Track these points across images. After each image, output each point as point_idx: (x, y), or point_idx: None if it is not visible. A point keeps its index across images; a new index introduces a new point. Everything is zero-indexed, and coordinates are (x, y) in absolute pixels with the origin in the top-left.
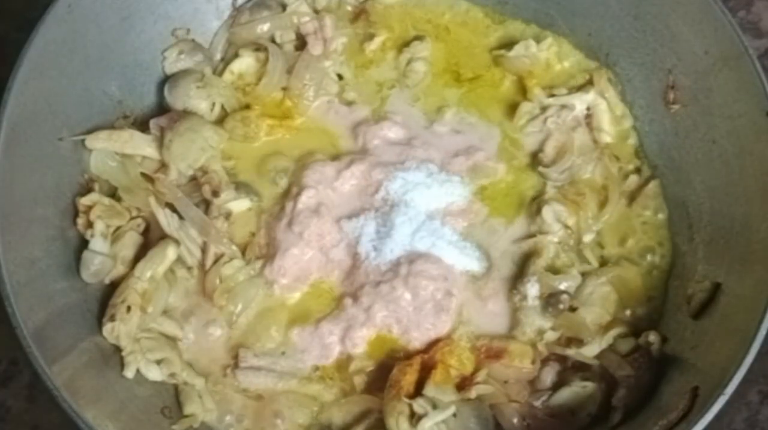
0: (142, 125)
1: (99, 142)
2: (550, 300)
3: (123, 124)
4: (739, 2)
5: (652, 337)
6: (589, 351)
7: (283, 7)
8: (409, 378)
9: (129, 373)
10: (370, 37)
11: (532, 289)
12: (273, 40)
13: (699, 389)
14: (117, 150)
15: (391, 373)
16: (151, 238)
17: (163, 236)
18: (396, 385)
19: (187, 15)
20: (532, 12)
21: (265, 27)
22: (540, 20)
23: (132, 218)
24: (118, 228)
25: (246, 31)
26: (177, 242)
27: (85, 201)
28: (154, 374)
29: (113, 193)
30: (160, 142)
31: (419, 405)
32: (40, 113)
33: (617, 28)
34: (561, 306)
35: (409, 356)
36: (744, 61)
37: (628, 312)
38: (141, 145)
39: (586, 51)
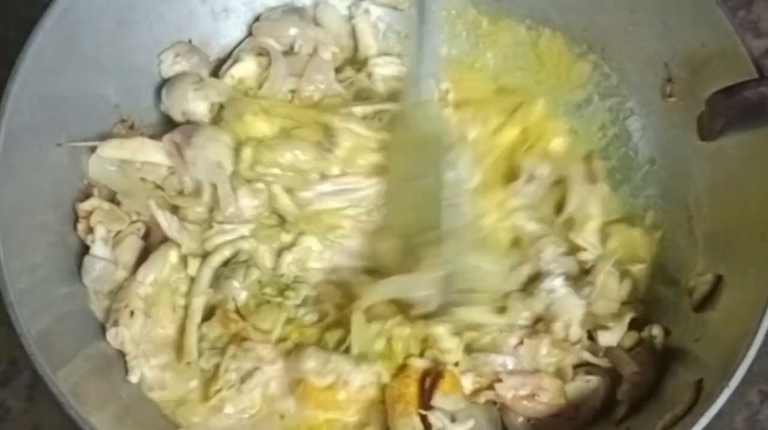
0: (140, 129)
1: (111, 150)
2: None
3: (120, 128)
4: (739, 2)
5: (655, 330)
6: (611, 338)
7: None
8: (412, 391)
9: (133, 377)
10: None
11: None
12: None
13: (703, 382)
14: (128, 158)
15: (388, 388)
16: (152, 242)
17: (164, 240)
18: (401, 400)
19: (182, 17)
20: (528, 8)
21: (291, 31)
22: (535, 16)
23: (132, 222)
24: (119, 232)
25: (269, 26)
26: (178, 245)
27: (84, 206)
28: None
29: (112, 198)
30: (178, 160)
31: (437, 418)
32: (37, 118)
33: (613, 22)
34: None
35: (401, 367)
36: (739, 52)
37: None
38: (152, 152)
39: (581, 46)
